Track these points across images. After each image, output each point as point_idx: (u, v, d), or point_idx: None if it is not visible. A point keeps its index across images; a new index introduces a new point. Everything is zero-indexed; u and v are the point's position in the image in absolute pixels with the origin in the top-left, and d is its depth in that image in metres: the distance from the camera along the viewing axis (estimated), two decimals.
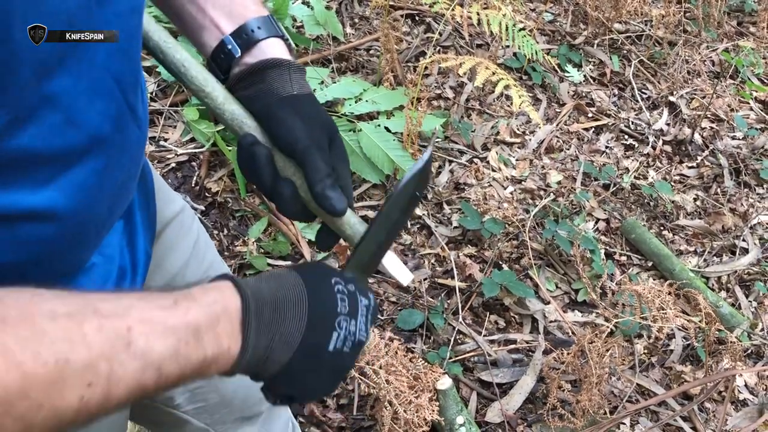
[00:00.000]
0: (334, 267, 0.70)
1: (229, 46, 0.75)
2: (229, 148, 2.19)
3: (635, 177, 2.70)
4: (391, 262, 0.74)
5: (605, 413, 1.81)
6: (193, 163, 2.28)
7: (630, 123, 2.97)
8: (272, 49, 0.76)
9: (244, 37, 0.75)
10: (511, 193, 2.49)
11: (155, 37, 0.72)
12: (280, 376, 0.61)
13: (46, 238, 0.60)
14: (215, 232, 2.12)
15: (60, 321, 0.48)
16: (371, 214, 2.26)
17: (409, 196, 0.74)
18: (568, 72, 3.11)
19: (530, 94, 2.91)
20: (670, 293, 1.83)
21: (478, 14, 2.33)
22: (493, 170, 2.57)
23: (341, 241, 0.76)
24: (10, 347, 0.45)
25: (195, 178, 2.22)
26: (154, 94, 2.44)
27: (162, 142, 2.31)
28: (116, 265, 0.76)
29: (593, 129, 2.91)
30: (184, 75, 0.72)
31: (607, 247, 2.41)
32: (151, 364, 0.51)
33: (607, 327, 1.77)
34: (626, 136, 2.92)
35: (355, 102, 2.37)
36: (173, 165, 2.25)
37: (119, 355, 0.50)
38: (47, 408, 0.46)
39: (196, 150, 2.29)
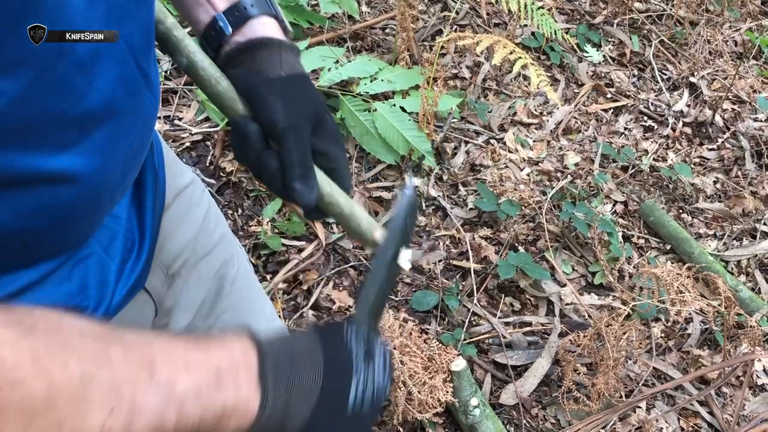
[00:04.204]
0: (342, 320, 0.68)
1: (221, 23, 0.73)
2: None
3: (654, 159, 2.66)
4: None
5: (621, 397, 1.79)
6: (208, 143, 2.27)
7: (650, 104, 2.92)
8: (264, 27, 0.73)
9: (236, 15, 0.72)
10: (528, 175, 2.46)
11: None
12: None
13: (66, 201, 0.60)
14: (229, 211, 2.11)
15: (87, 339, 0.46)
16: (386, 195, 2.25)
17: (402, 231, 0.71)
18: (587, 52, 3.06)
19: (548, 74, 2.86)
20: (688, 277, 1.81)
21: None
22: (510, 151, 2.54)
23: None
24: (40, 353, 0.43)
25: (209, 158, 2.21)
26: (168, 72, 2.43)
27: (176, 121, 2.31)
28: (123, 227, 0.75)
29: (612, 110, 2.86)
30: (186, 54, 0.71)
31: (625, 230, 2.38)
32: (173, 399, 0.49)
33: (624, 310, 1.75)
34: (645, 118, 2.87)
35: (371, 81, 2.35)
36: (187, 144, 2.25)
37: (143, 383, 0.47)
38: (68, 427, 0.43)
39: (211, 129, 2.28)
